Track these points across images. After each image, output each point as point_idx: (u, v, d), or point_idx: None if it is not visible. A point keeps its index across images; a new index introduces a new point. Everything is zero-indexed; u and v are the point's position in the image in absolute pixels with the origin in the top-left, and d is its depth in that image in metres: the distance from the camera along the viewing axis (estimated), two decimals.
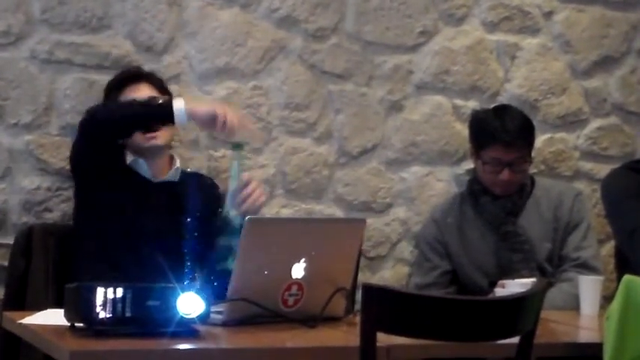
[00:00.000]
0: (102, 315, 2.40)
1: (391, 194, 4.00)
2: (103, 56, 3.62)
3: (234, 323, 2.64)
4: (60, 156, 3.53)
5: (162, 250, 3.14)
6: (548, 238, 3.71)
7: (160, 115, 3.13)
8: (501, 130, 3.62)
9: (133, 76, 3.46)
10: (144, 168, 3.36)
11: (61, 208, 3.56)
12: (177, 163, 3.43)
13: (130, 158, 3.36)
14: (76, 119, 3.55)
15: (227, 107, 3.15)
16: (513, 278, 3.49)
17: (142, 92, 3.37)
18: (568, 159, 4.21)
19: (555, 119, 4.20)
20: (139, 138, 3.31)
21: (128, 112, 3.17)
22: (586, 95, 4.25)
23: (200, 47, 3.74)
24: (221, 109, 3.11)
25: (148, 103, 3.17)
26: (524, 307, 2.39)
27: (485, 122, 3.69)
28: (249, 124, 3.29)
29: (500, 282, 3.32)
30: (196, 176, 3.52)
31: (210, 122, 3.11)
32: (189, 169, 3.54)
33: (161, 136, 3.34)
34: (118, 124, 3.18)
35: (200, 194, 3.36)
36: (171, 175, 3.39)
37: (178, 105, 3.09)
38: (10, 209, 3.52)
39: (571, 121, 4.23)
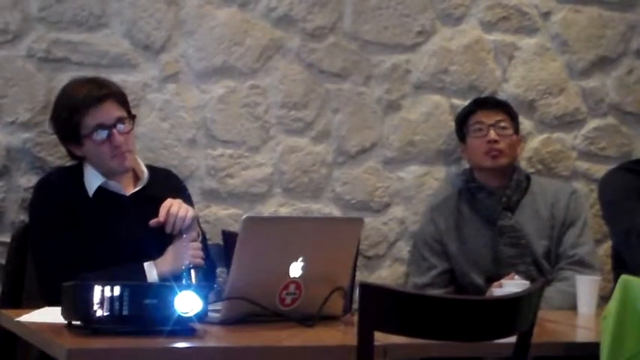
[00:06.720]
0: (99, 313, 2.41)
1: (389, 193, 4.00)
2: (100, 55, 3.61)
3: (232, 322, 2.64)
4: (57, 154, 3.52)
5: (153, 255, 3.13)
6: (545, 236, 3.72)
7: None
8: (479, 100, 3.93)
9: (95, 98, 3.22)
10: (115, 186, 3.26)
11: None
12: (144, 169, 3.33)
13: (99, 181, 3.24)
14: None
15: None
16: (509, 273, 3.52)
17: (110, 113, 3.21)
18: (565, 159, 4.21)
19: (553, 119, 4.20)
20: (109, 164, 3.22)
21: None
22: (583, 95, 4.25)
23: (198, 46, 3.74)
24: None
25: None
26: (522, 307, 2.40)
27: (465, 106, 3.93)
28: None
29: (497, 282, 3.34)
30: (157, 171, 3.42)
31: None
32: (143, 164, 3.39)
33: (129, 158, 3.26)
34: None
35: (171, 191, 3.31)
36: (142, 182, 3.30)
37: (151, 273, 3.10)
38: (7, 207, 3.51)
39: (568, 121, 4.23)
